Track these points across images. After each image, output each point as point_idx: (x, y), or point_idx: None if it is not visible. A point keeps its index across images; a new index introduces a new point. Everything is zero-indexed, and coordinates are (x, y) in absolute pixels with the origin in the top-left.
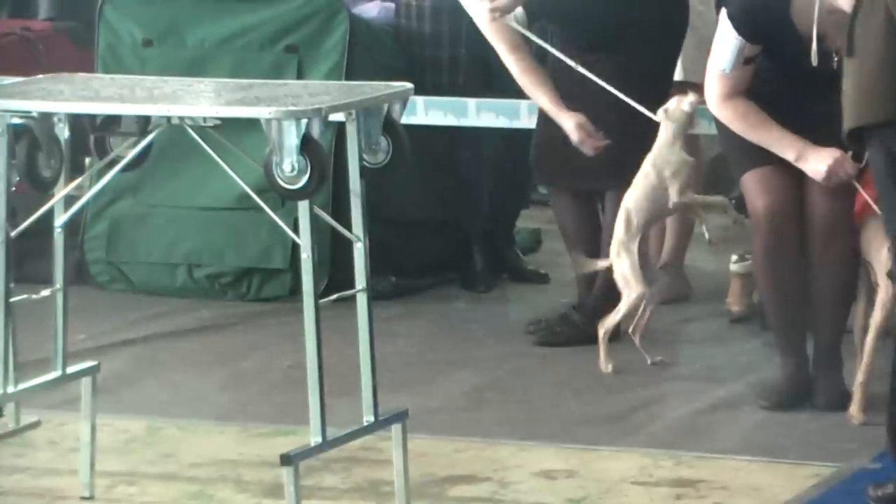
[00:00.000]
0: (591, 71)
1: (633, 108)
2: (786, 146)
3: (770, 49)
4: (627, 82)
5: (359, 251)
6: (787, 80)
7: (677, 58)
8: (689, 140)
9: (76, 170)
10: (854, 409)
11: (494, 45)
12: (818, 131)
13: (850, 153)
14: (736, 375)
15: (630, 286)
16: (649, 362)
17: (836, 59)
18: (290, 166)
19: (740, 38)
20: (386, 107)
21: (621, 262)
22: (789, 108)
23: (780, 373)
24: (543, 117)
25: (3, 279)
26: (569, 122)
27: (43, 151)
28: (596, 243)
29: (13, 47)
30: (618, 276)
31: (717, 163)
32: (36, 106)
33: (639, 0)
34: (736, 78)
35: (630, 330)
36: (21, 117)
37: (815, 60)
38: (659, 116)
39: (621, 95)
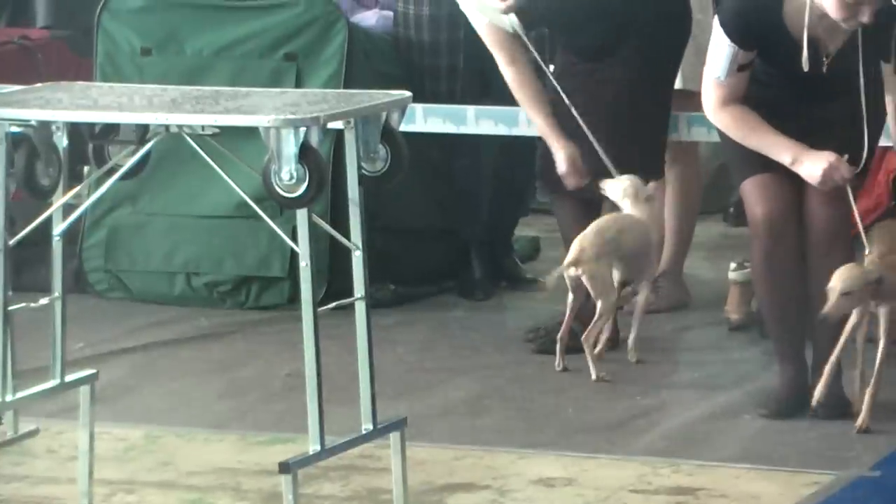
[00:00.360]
0: (591, 78)
1: (640, 115)
2: (782, 150)
3: (764, 54)
4: (629, 88)
5: (357, 259)
6: (785, 84)
7: (678, 64)
8: (688, 149)
9: (75, 178)
10: (863, 417)
11: (494, 54)
12: (815, 135)
13: (845, 157)
14: (735, 383)
15: (607, 293)
16: (593, 377)
17: (825, 62)
18: (288, 174)
19: (733, 45)
20: (384, 115)
21: (601, 269)
22: (788, 111)
23: (778, 381)
24: None
25: (1, 287)
26: (560, 152)
27: (41, 160)
28: None
29: (11, 56)
30: (596, 282)
31: (718, 172)
32: (34, 114)
33: (639, 6)
34: (731, 85)
35: (584, 337)
36: (19, 126)
37: (805, 66)
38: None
39: (599, 149)
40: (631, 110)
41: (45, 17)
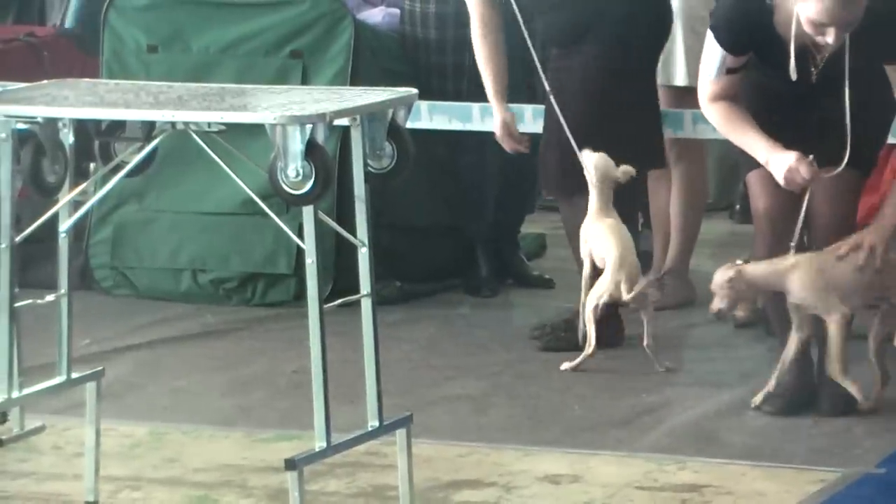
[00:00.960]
0: (568, 66)
1: (615, 106)
2: (757, 149)
3: (758, 58)
4: (603, 77)
5: (363, 256)
6: (781, 84)
7: (657, 56)
8: (694, 146)
9: (81, 175)
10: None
11: (472, 23)
12: (807, 133)
13: (811, 157)
14: (740, 380)
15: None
16: (661, 369)
17: (813, 72)
18: (294, 171)
19: (722, 49)
20: (391, 112)
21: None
22: (784, 107)
23: (783, 378)
24: (549, 122)
25: (7, 284)
26: (497, 116)
27: (47, 157)
28: None
29: (18, 53)
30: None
31: (725, 170)
32: (40, 111)
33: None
34: (721, 84)
35: (646, 344)
36: (26, 122)
37: (794, 75)
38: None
39: (569, 134)
40: (604, 100)
41: (71, 19)
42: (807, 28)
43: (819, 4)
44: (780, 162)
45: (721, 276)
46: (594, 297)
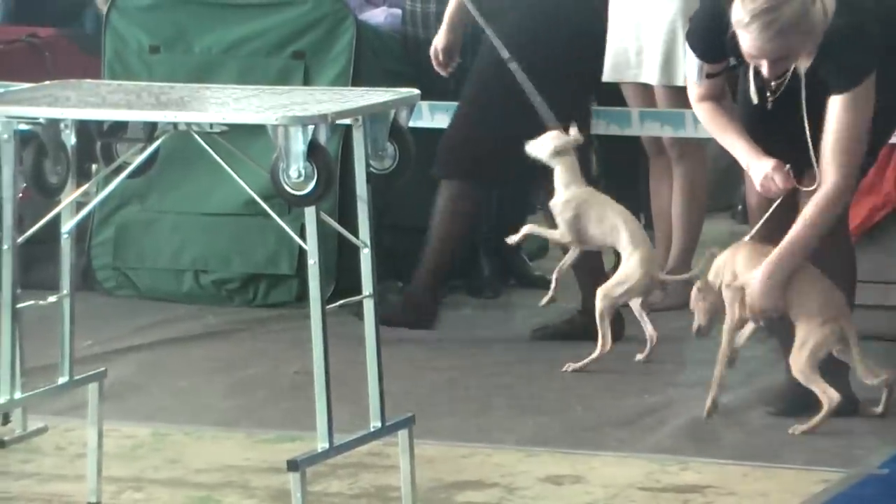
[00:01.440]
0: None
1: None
2: (739, 153)
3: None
4: (496, 72)
5: (365, 257)
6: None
7: (575, 57)
8: (695, 146)
9: (83, 176)
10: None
11: None
12: (783, 148)
13: (787, 167)
14: (742, 381)
15: None
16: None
17: (769, 97)
18: (296, 172)
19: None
20: (392, 113)
21: None
22: (763, 121)
23: (785, 378)
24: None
25: (10, 285)
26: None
27: (49, 158)
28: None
29: (20, 54)
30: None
31: (726, 170)
32: (43, 112)
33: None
34: (705, 86)
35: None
36: (28, 123)
37: (755, 98)
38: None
39: (539, 102)
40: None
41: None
42: (746, 58)
43: (748, 37)
44: (758, 169)
45: (693, 291)
46: (612, 294)
